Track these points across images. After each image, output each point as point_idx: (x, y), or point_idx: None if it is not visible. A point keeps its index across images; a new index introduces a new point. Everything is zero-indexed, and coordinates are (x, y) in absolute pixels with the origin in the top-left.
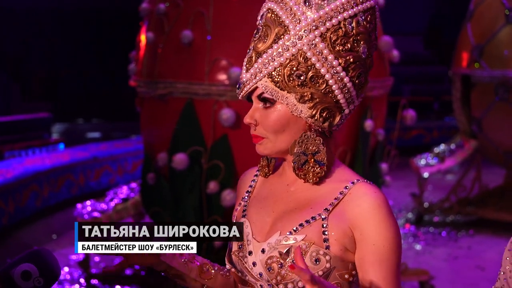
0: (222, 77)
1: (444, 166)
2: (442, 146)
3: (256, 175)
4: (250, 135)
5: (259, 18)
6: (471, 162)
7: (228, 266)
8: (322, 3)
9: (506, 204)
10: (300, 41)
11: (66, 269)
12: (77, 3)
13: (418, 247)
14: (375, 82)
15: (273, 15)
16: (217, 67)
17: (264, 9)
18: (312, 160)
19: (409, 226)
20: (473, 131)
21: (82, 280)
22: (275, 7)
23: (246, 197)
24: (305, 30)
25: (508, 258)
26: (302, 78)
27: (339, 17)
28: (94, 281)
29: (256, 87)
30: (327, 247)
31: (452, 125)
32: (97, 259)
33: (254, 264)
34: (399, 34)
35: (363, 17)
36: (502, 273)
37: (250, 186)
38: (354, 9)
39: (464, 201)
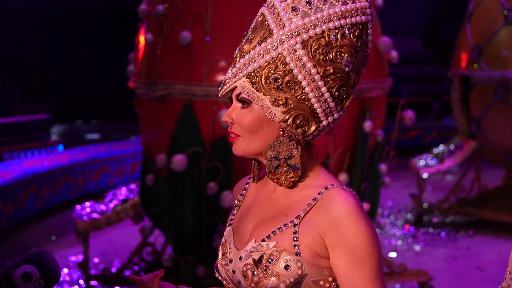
0: (221, 78)
1: (443, 167)
2: (441, 147)
3: (247, 183)
4: None
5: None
6: (470, 163)
7: (216, 274)
8: (309, 11)
9: (506, 205)
10: (281, 46)
11: (65, 270)
12: (76, 3)
13: (417, 247)
14: (374, 83)
15: (263, 19)
16: (216, 68)
17: (258, 13)
18: (285, 164)
19: (408, 226)
20: (472, 132)
21: (81, 282)
22: (266, 11)
23: (236, 207)
24: (287, 35)
25: None
26: (278, 81)
27: (323, 27)
28: (93, 283)
29: (236, 87)
30: (298, 254)
31: (451, 125)
32: (96, 260)
33: (233, 271)
34: (398, 34)
35: (350, 31)
36: (508, 272)
37: (241, 195)
38: (341, 21)
39: (463, 202)
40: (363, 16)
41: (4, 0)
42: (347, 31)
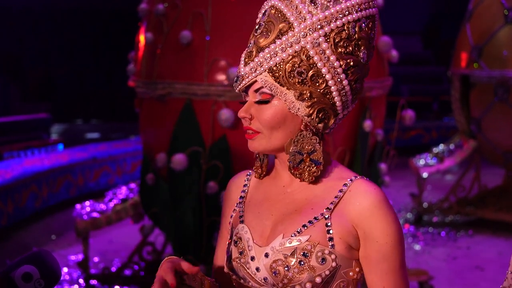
0: (221, 77)
1: (443, 166)
2: (441, 146)
3: (247, 179)
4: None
5: (260, 15)
6: (470, 162)
7: (229, 273)
8: (328, 4)
9: (505, 204)
10: (304, 39)
11: (65, 269)
12: (76, 3)
13: (417, 247)
14: (374, 82)
15: (277, 12)
16: (216, 67)
17: (267, 6)
18: (308, 159)
19: (408, 226)
20: (472, 131)
21: (81, 281)
22: (279, 4)
23: (240, 202)
24: (309, 28)
25: None
26: (303, 75)
27: (343, 20)
28: (93, 282)
29: (255, 81)
30: (332, 246)
31: (451, 125)
32: (96, 259)
33: (257, 269)
34: (398, 34)
35: (365, 23)
36: (510, 272)
37: (243, 191)
38: (358, 14)
39: (463, 201)
40: (374, 9)
41: (4, 0)
42: (363, 24)
